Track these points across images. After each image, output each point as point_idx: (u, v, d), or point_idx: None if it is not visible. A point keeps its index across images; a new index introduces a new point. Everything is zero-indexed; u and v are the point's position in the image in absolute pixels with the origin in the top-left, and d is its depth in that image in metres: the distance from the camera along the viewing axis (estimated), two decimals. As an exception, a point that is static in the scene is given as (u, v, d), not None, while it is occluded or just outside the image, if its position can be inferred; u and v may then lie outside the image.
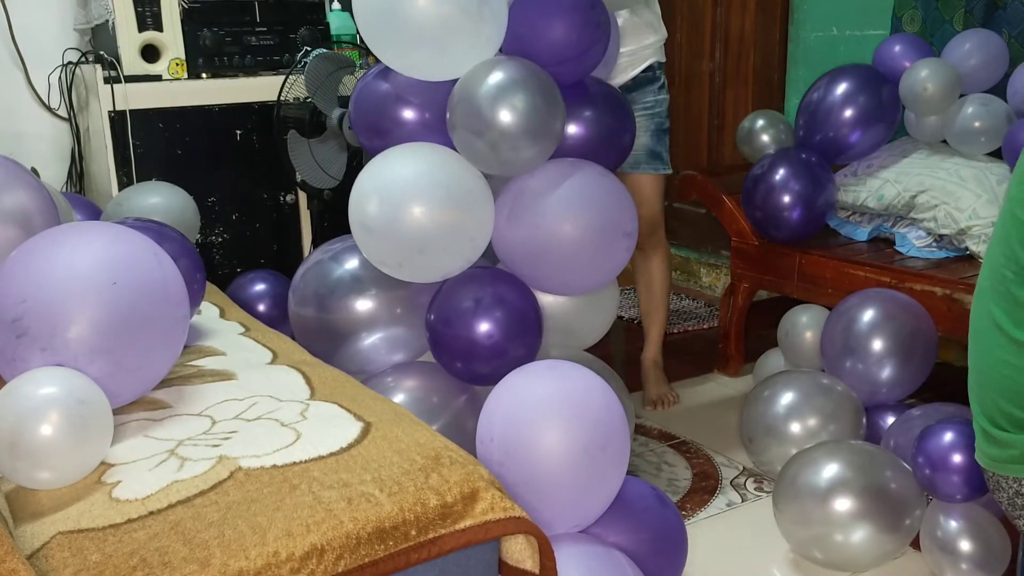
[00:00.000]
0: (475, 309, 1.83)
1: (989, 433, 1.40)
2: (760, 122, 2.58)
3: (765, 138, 2.56)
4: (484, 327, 1.82)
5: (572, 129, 1.88)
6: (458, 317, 1.83)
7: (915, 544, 1.71)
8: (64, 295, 1.26)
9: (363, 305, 1.95)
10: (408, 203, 1.78)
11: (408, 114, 1.86)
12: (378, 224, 1.81)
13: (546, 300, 1.96)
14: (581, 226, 1.81)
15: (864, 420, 1.99)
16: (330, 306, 1.96)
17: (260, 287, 2.39)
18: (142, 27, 2.57)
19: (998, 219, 1.40)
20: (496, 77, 1.71)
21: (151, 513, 1.13)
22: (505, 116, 1.70)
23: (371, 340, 1.97)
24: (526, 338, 1.87)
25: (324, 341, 1.99)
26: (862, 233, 2.48)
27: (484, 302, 1.83)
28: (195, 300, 1.74)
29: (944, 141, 2.43)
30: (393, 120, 1.87)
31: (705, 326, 3.19)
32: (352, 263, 1.96)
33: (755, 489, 2.08)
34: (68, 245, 1.33)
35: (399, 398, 1.88)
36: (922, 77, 2.31)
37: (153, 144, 2.59)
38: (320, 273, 1.99)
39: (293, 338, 2.00)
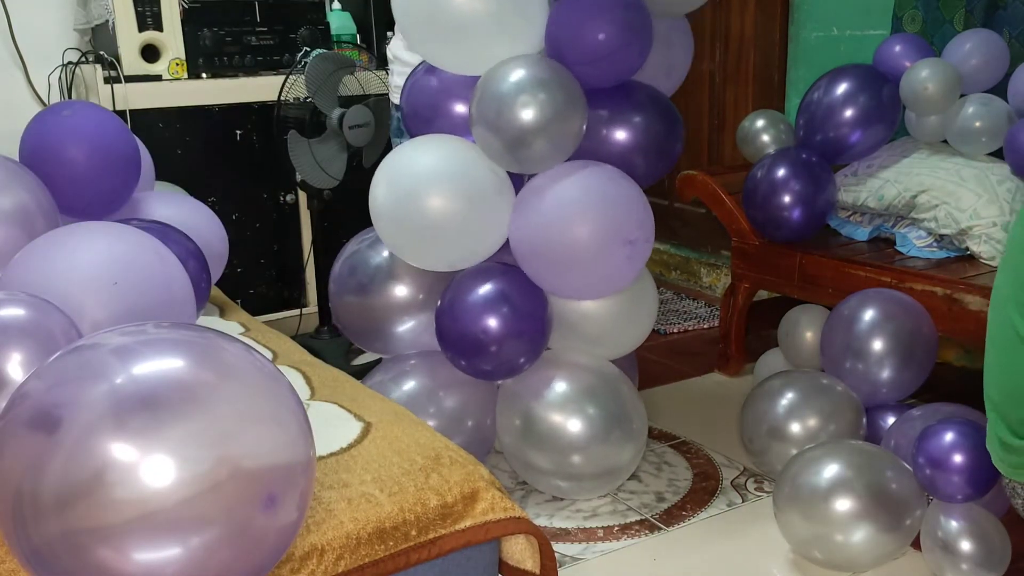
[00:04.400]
0: (482, 305, 1.83)
1: (1006, 442, 1.40)
2: (760, 122, 2.58)
3: (765, 138, 2.56)
4: (489, 323, 1.82)
5: (620, 135, 1.89)
6: (464, 312, 1.84)
7: (915, 544, 1.71)
8: (65, 296, 1.26)
9: (402, 291, 2.02)
10: (410, 190, 1.82)
11: (456, 106, 1.91)
12: (383, 208, 1.86)
13: (579, 306, 1.95)
14: (577, 229, 1.80)
15: (864, 420, 1.99)
16: (371, 291, 2.03)
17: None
18: (142, 27, 2.57)
19: (1015, 226, 1.38)
20: (517, 75, 1.73)
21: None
22: (522, 114, 1.71)
23: (412, 324, 2.03)
24: (531, 336, 1.87)
25: (366, 325, 2.06)
26: (862, 233, 2.48)
27: (491, 298, 1.84)
28: (201, 301, 1.74)
29: (945, 141, 2.42)
30: (440, 110, 1.92)
31: (705, 326, 3.19)
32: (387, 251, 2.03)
33: (755, 489, 2.08)
34: (70, 246, 1.34)
35: (409, 385, 1.94)
36: (923, 77, 2.31)
37: (153, 144, 2.58)
38: (359, 261, 2.06)
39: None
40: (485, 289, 1.85)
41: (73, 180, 1.74)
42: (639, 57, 1.82)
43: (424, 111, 1.96)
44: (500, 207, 1.85)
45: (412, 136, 1.99)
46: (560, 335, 1.98)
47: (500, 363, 1.87)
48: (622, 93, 1.91)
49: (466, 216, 1.82)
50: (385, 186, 1.87)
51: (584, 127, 1.82)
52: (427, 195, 1.81)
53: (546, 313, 1.91)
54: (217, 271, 2.00)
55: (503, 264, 1.91)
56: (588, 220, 1.80)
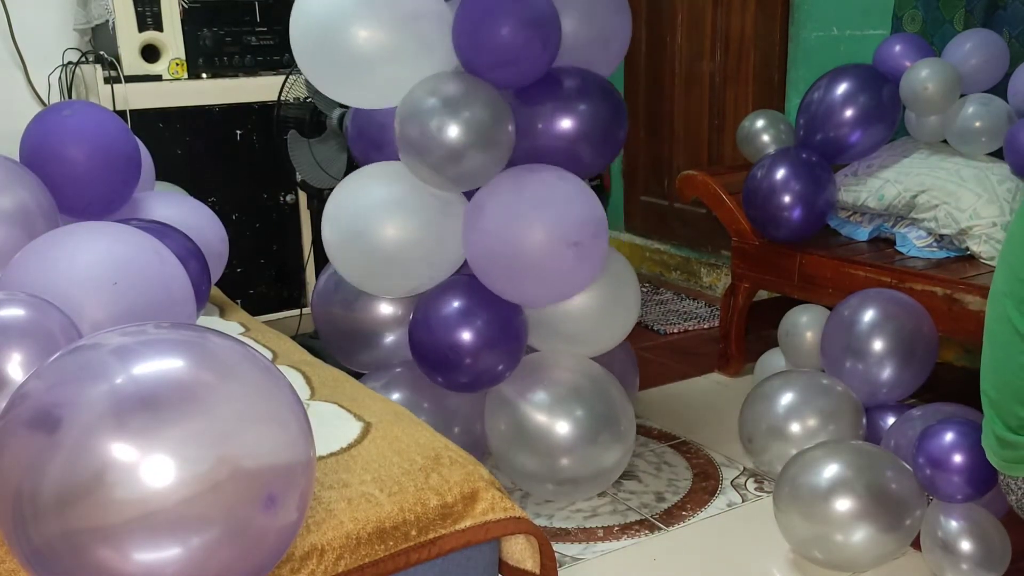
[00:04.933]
0: (454, 319, 1.83)
1: (1002, 437, 1.40)
2: (760, 122, 2.58)
3: (765, 138, 2.56)
4: (463, 337, 1.82)
5: (563, 125, 1.86)
6: (437, 327, 1.83)
7: (915, 544, 1.71)
8: (65, 296, 1.26)
9: (386, 308, 2.03)
10: (358, 228, 1.84)
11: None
12: (335, 247, 1.90)
13: (557, 306, 1.94)
14: (519, 237, 1.78)
15: (864, 420, 1.99)
16: (355, 307, 2.03)
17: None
18: (142, 27, 2.57)
19: (1014, 223, 1.38)
20: (434, 97, 1.72)
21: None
22: (447, 133, 1.70)
23: (396, 338, 2.03)
24: (507, 344, 1.86)
25: (351, 340, 2.07)
26: (862, 233, 2.48)
27: (463, 311, 1.83)
28: (201, 301, 1.74)
29: (945, 141, 2.42)
30: (390, 135, 1.90)
31: (705, 326, 3.19)
32: None
33: (755, 489, 2.08)
34: (71, 245, 1.34)
35: (397, 393, 1.94)
36: (922, 77, 2.31)
37: (153, 144, 2.58)
38: (342, 278, 2.04)
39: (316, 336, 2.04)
40: (455, 303, 1.84)
41: (73, 180, 1.74)
42: (546, 50, 1.76)
43: (372, 134, 1.96)
44: (450, 228, 1.84)
45: (359, 160, 1.98)
46: (540, 336, 1.97)
47: (477, 375, 1.85)
48: (552, 83, 1.86)
49: (417, 244, 1.82)
50: (332, 225, 1.88)
51: (512, 132, 1.78)
52: (375, 229, 1.82)
53: (519, 320, 1.89)
54: (217, 271, 2.00)
55: (469, 276, 1.90)
56: (528, 228, 1.77)
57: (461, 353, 1.81)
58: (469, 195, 1.88)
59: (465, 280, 1.88)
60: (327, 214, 1.90)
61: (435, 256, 1.84)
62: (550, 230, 1.78)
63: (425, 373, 1.90)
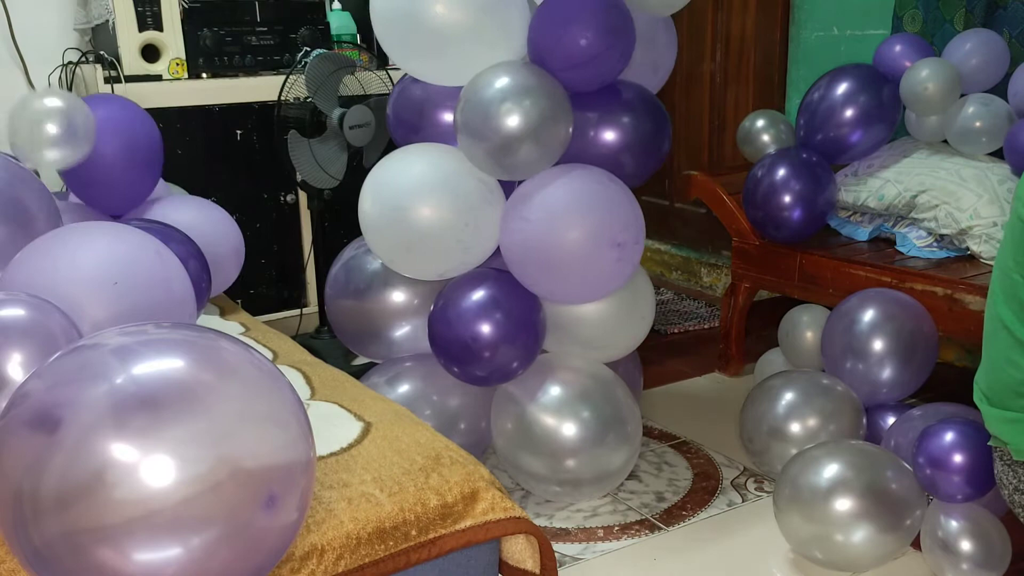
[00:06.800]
0: (474, 311, 1.83)
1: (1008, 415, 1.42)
2: (761, 122, 2.58)
3: (766, 138, 2.56)
4: (482, 329, 1.82)
5: (609, 135, 1.88)
6: (457, 318, 1.84)
7: (916, 544, 1.71)
8: (65, 296, 1.26)
9: (398, 299, 2.02)
10: (397, 203, 1.82)
11: (443, 115, 1.91)
12: (371, 221, 1.87)
13: (573, 309, 1.95)
14: (564, 233, 1.79)
15: (864, 420, 1.99)
16: (367, 296, 2.03)
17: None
18: (142, 27, 2.57)
19: (1008, 222, 1.41)
20: (501, 82, 1.73)
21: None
22: (507, 121, 1.71)
23: (407, 328, 2.03)
24: (524, 341, 1.86)
25: (362, 330, 2.07)
26: (863, 233, 2.48)
27: (483, 304, 1.83)
28: (201, 301, 1.74)
29: (945, 141, 2.42)
30: (426, 118, 1.93)
31: (706, 326, 3.19)
32: None
33: (755, 489, 2.08)
34: (71, 245, 1.34)
35: (404, 388, 1.94)
36: (923, 77, 2.31)
37: (153, 144, 2.59)
38: (355, 267, 2.06)
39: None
40: (477, 295, 1.84)
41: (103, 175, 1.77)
42: (621, 60, 1.81)
43: (410, 118, 1.97)
44: (488, 216, 1.85)
45: (399, 144, 1.99)
46: (555, 338, 1.97)
47: (493, 369, 1.86)
48: (610, 93, 1.90)
49: (453, 227, 1.81)
50: (371, 199, 1.88)
51: (570, 132, 1.81)
52: (414, 207, 1.81)
53: (539, 318, 1.90)
54: (233, 274, 2.03)
55: (495, 269, 1.91)
56: (575, 224, 1.79)
57: (482, 345, 1.81)
58: (508, 188, 1.89)
59: (492, 273, 1.89)
60: (368, 187, 1.89)
61: (471, 241, 1.84)
62: (596, 228, 1.80)
63: (442, 364, 1.90)
